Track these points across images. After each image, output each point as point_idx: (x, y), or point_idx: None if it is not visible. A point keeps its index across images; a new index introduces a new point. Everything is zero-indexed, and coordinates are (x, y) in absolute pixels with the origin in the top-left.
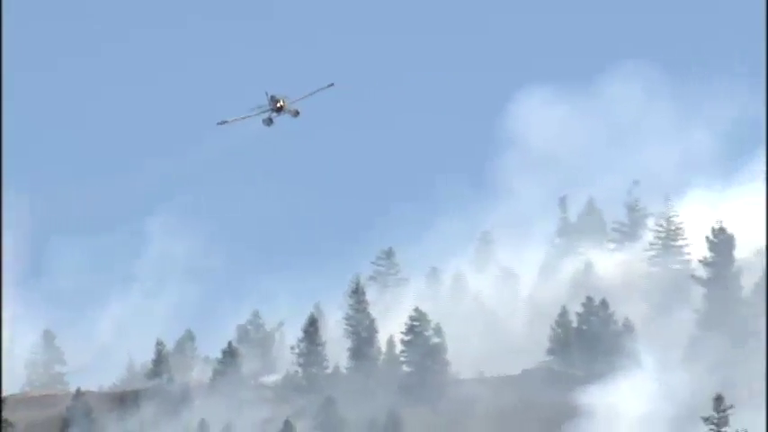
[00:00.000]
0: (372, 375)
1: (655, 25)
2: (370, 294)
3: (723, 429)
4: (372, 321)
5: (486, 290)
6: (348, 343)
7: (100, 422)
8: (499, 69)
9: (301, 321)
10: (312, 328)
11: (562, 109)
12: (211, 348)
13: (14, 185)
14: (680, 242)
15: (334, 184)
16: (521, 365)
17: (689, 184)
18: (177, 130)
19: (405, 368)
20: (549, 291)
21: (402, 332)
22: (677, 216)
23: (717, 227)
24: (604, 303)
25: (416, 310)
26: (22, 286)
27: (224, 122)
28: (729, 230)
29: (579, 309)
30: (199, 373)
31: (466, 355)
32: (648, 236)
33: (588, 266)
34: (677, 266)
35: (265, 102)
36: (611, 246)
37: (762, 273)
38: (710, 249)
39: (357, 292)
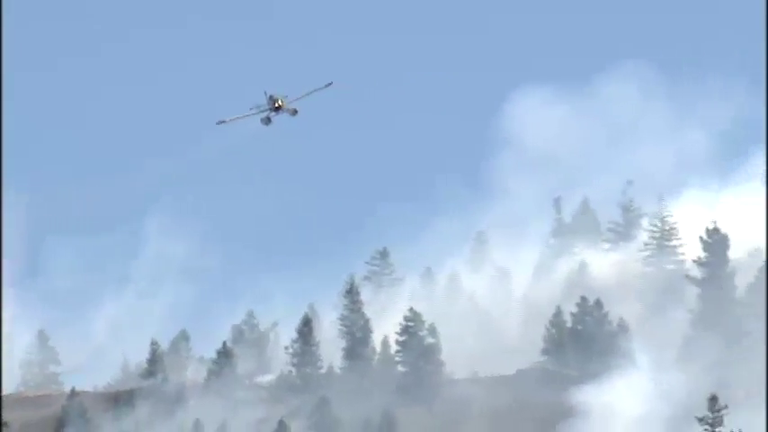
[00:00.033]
0: (367, 375)
1: (651, 25)
2: (365, 294)
3: (717, 429)
4: (367, 321)
5: (481, 290)
6: (342, 343)
7: (95, 422)
8: (495, 69)
9: (296, 321)
10: (306, 329)
11: (558, 109)
12: (206, 348)
13: (14, 185)
14: (674, 242)
15: (330, 183)
16: (515, 365)
17: (684, 184)
18: (176, 131)
19: (399, 368)
20: (543, 291)
21: (397, 332)
22: (671, 216)
23: (711, 227)
24: (599, 303)
25: (411, 310)
26: (17, 286)
27: (222, 122)
28: (723, 231)
29: (574, 309)
30: (193, 373)
31: (460, 356)
32: (643, 236)
33: (583, 266)
34: (671, 267)
35: (264, 101)
36: (606, 246)
37: (756, 273)
38: (705, 249)
39: (351, 292)
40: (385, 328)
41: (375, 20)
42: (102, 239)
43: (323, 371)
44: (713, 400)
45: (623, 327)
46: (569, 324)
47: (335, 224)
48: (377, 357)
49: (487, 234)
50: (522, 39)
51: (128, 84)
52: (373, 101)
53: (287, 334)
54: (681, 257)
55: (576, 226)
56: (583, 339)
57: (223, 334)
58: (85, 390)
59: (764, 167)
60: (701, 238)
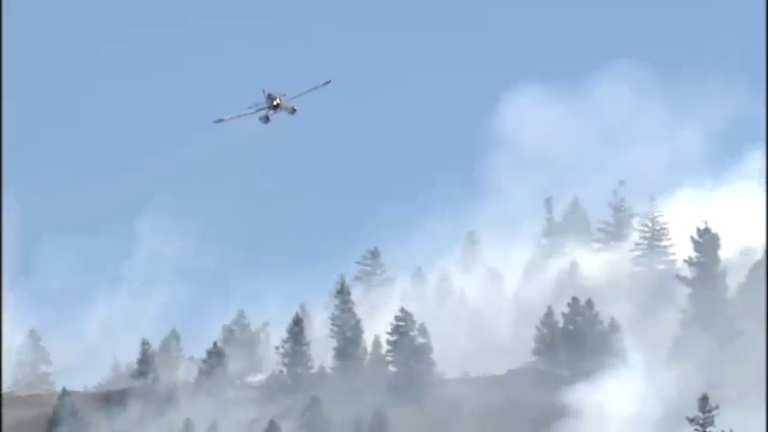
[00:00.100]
0: (358, 375)
1: (644, 25)
2: (356, 294)
3: (708, 429)
4: (358, 321)
5: (472, 290)
6: (333, 343)
7: (86, 422)
8: (489, 69)
9: (287, 321)
10: (297, 328)
11: (552, 109)
12: (196, 348)
13: (13, 185)
14: (665, 242)
15: (322, 183)
16: (506, 365)
17: (677, 184)
18: (175, 130)
19: (390, 368)
20: (534, 291)
21: (388, 332)
22: (662, 216)
23: (702, 227)
24: (590, 303)
25: (402, 310)
26: (10, 286)
27: (220, 121)
28: (714, 230)
29: (565, 309)
30: (184, 373)
31: (451, 356)
32: (634, 236)
33: (573, 266)
34: (662, 266)
35: (262, 99)
36: (597, 246)
37: (747, 272)
38: (695, 249)
39: (342, 292)
40: (376, 328)
41: (369, 20)
42: (95, 239)
43: (314, 371)
44: (704, 400)
45: (614, 327)
46: (560, 324)
47: (327, 224)
48: (368, 357)
49: (479, 234)
50: (515, 38)
51: (126, 84)
52: (366, 101)
53: (278, 334)
54: (672, 257)
55: (567, 226)
56: (574, 339)
57: (214, 334)
58: (76, 390)
59: (760, 167)
60: (691, 237)
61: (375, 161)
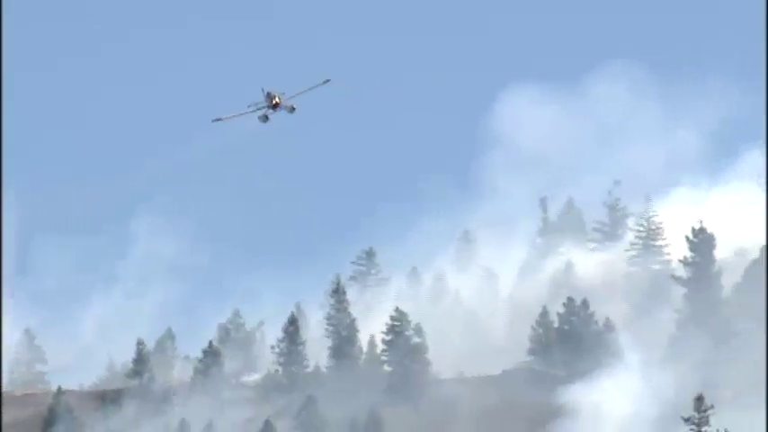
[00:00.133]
0: (353, 375)
1: (640, 25)
2: (351, 294)
3: (703, 429)
4: (353, 321)
5: (467, 290)
6: (329, 342)
7: (81, 421)
8: (485, 69)
9: (282, 321)
10: (293, 328)
11: (548, 108)
12: (192, 347)
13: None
14: (660, 242)
15: (318, 182)
16: (501, 365)
17: (673, 184)
18: (174, 130)
19: (386, 368)
20: (529, 291)
21: (383, 332)
22: (657, 216)
23: (697, 227)
24: (585, 303)
25: (397, 310)
26: (5, 285)
27: (219, 120)
28: (709, 230)
29: (560, 309)
30: (179, 372)
31: (447, 355)
32: (629, 236)
33: (569, 266)
34: (657, 266)
35: (261, 98)
36: (592, 245)
37: (742, 272)
38: (691, 249)
39: (338, 292)
40: (371, 328)
41: (367, 20)
42: (90, 239)
43: (309, 370)
44: (699, 400)
45: (609, 327)
46: (556, 324)
47: (322, 223)
48: (363, 357)
49: (474, 234)
50: (512, 38)
51: (125, 83)
52: (363, 100)
53: (273, 333)
54: (667, 257)
55: (562, 225)
56: (569, 339)
57: (209, 333)
58: (72, 389)
59: (756, 167)
60: (686, 237)
61: (371, 160)
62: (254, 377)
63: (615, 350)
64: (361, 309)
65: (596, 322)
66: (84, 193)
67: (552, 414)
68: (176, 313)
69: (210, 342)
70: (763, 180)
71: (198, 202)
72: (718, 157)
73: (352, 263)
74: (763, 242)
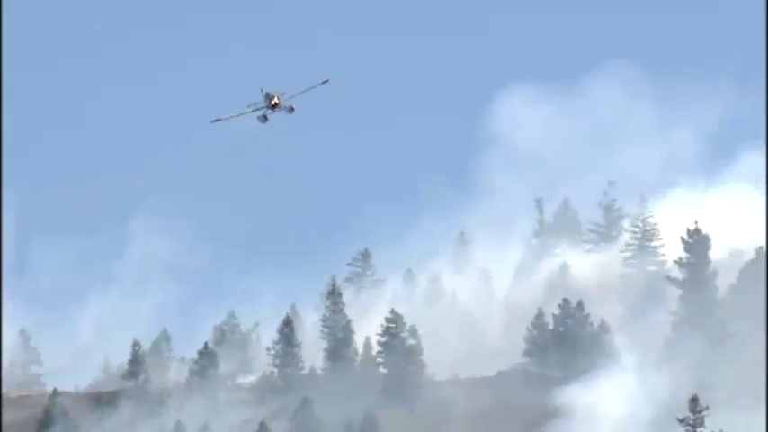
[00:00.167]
0: (349, 377)
1: (637, 26)
2: (347, 296)
3: (698, 430)
4: (348, 323)
5: (463, 291)
6: (324, 344)
7: (76, 423)
8: (482, 69)
9: (277, 322)
10: (288, 329)
11: (545, 109)
12: (187, 349)
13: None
14: (655, 243)
15: (314, 183)
16: (497, 367)
17: (669, 185)
18: (174, 131)
19: (381, 369)
20: (525, 292)
21: (378, 334)
22: (653, 217)
23: (692, 228)
24: (580, 305)
25: (392, 311)
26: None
27: (218, 120)
28: (705, 231)
29: (555, 310)
30: (175, 374)
31: (442, 357)
32: (625, 237)
33: (564, 268)
34: (653, 268)
35: (260, 99)
36: (587, 247)
37: (737, 274)
38: (686, 250)
39: (333, 294)
40: (367, 330)
41: (365, 20)
42: (87, 239)
43: (305, 372)
44: (694, 401)
45: (605, 328)
46: (551, 325)
47: (318, 225)
48: (359, 359)
49: (470, 235)
50: (508, 38)
51: (125, 83)
52: (359, 101)
53: (269, 335)
54: (662, 258)
55: (558, 227)
56: (565, 341)
57: (205, 334)
58: (67, 390)
59: (757, 168)
60: (682, 238)
61: (368, 161)
62: (250, 379)
63: (610, 351)
64: (357, 310)
65: (592, 323)
66: (83, 193)
67: (548, 415)
68: (172, 314)
69: (206, 343)
70: (760, 182)
71: (195, 202)
72: (714, 158)
73: (348, 264)
74: (759, 243)
